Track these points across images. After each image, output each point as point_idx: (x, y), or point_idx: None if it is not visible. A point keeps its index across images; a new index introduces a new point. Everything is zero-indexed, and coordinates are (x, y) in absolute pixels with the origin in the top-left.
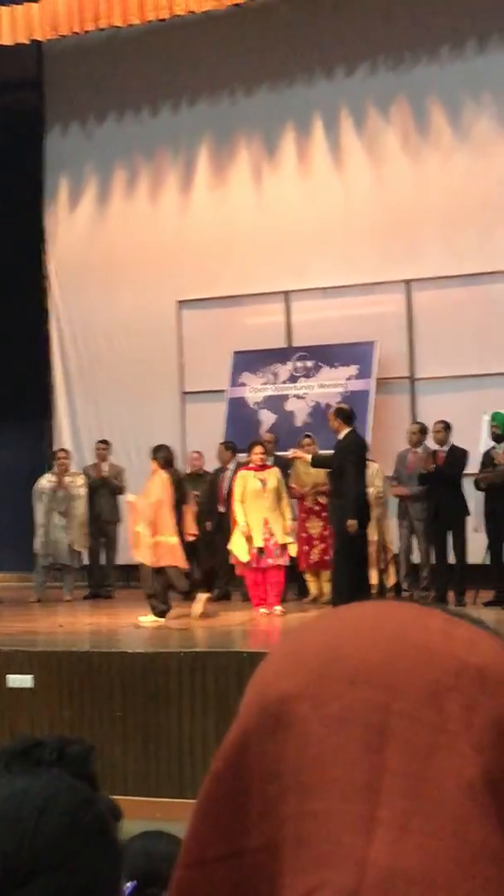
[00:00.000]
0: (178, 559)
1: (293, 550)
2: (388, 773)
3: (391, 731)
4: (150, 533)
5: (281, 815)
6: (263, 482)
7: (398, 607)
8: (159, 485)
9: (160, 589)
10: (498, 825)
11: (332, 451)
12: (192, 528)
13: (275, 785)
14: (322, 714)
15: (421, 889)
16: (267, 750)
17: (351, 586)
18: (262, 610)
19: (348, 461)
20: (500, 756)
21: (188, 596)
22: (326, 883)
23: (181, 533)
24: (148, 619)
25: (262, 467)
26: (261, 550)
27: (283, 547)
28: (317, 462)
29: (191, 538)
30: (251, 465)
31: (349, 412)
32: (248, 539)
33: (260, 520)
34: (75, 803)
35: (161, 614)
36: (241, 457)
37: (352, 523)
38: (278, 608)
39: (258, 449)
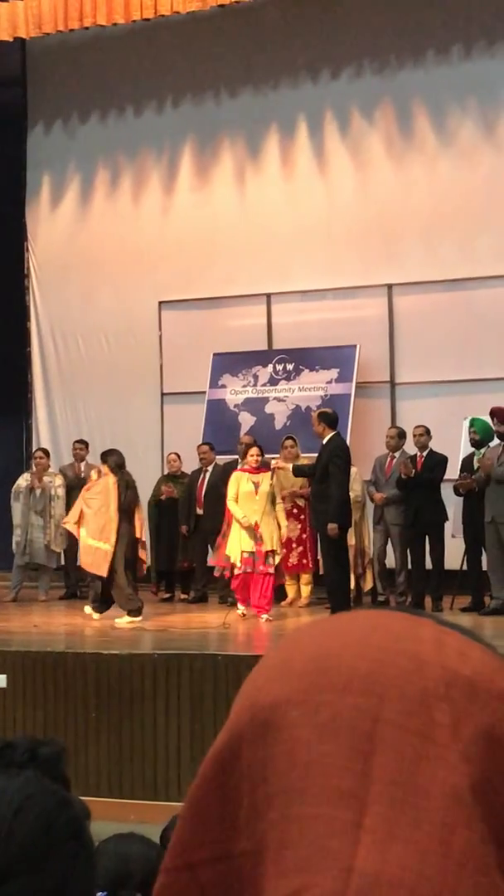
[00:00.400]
0: (99, 567)
1: (276, 559)
2: (375, 780)
3: (379, 740)
4: (87, 534)
5: (267, 820)
6: (256, 485)
7: (390, 616)
8: (103, 489)
9: (131, 589)
10: (485, 834)
11: (312, 458)
12: (138, 533)
13: (262, 789)
14: (312, 721)
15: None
16: (256, 755)
17: (344, 587)
18: (240, 609)
19: (334, 465)
20: (488, 766)
21: (170, 598)
22: (311, 886)
23: (133, 536)
24: (123, 621)
25: (257, 470)
26: (253, 555)
27: (273, 553)
28: (298, 471)
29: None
30: (246, 467)
31: (334, 416)
32: (248, 529)
33: (251, 524)
34: (51, 805)
35: (136, 612)
36: (219, 459)
37: (332, 527)
38: (265, 616)
39: (254, 451)
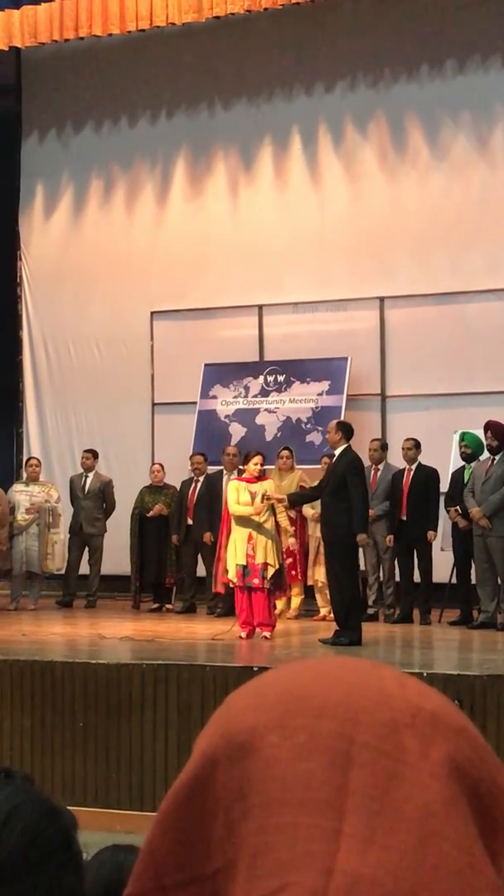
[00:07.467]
0: None
1: (269, 572)
2: (352, 793)
3: (355, 758)
4: None
5: (243, 833)
6: (253, 495)
7: (355, 660)
8: None
9: None
10: (454, 844)
11: (306, 469)
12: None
13: (239, 806)
14: (290, 742)
15: (385, 894)
16: (233, 774)
17: (354, 600)
18: (240, 632)
19: (353, 476)
20: (456, 785)
21: (158, 609)
22: (291, 885)
23: None
24: None
25: (256, 479)
26: (245, 568)
27: (266, 566)
28: (297, 500)
29: None
30: (245, 476)
31: (351, 428)
32: (241, 540)
33: (244, 535)
34: (38, 815)
35: None
36: (210, 469)
37: (362, 537)
38: (266, 633)
39: (257, 459)
